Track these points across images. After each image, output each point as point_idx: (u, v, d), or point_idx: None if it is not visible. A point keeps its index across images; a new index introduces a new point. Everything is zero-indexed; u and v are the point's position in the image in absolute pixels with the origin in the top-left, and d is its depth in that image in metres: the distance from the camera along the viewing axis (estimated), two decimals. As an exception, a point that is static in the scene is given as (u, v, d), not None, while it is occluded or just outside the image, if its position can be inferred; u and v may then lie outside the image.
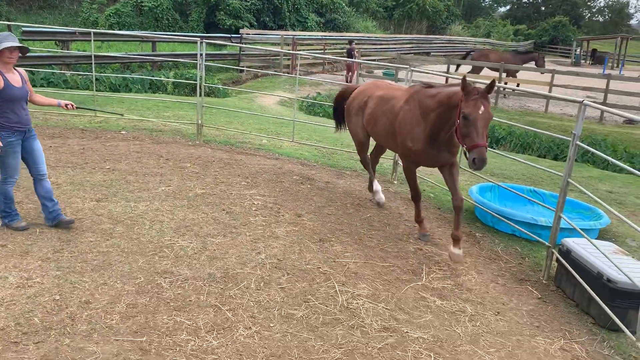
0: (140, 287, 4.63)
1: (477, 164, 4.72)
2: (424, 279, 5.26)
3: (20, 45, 5.16)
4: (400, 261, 5.57)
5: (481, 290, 5.18)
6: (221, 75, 20.57)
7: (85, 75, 14.28)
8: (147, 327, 4.08)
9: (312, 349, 4.01)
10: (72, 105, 5.77)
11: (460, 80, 5.02)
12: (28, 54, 5.63)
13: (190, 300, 4.48)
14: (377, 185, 7.31)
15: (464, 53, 26.66)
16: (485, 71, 22.78)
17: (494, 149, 13.06)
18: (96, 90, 11.59)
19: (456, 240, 5.57)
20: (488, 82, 4.85)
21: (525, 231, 6.27)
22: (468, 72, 22.09)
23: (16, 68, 5.32)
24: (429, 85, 5.76)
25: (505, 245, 6.35)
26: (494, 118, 8.37)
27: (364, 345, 4.10)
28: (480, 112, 4.75)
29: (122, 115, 9.42)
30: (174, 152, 8.78)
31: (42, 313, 4.14)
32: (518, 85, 20.69)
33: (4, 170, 5.33)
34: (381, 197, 7.20)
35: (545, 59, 25.58)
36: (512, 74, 22.26)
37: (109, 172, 7.45)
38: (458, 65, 23.90)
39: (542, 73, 21.88)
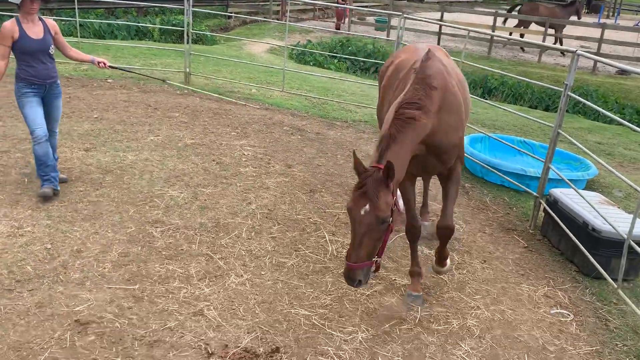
0: (132, 236, 4.66)
1: (347, 281, 3.25)
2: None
3: None
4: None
5: (468, 240, 5.27)
6: (209, 22, 20.03)
7: (68, 20, 13.84)
8: (140, 275, 4.13)
9: (303, 296, 4.10)
10: (105, 64, 5.45)
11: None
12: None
13: (182, 249, 4.53)
14: None
15: (510, 6, 25.19)
16: (533, 26, 21.39)
17: (486, 99, 13.02)
18: (80, 37, 11.27)
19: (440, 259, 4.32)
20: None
21: (514, 182, 6.33)
22: (514, 27, 20.95)
23: (44, 19, 5.04)
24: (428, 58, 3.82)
25: (493, 195, 6.42)
26: (486, 68, 8.39)
27: (352, 292, 4.20)
28: (355, 215, 3.15)
29: (163, 81, 8.86)
30: (162, 101, 8.64)
31: (35, 261, 4.17)
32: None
33: (26, 123, 5.07)
34: None
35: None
36: (559, 29, 21.04)
37: (97, 122, 7.34)
38: (505, 19, 21.80)
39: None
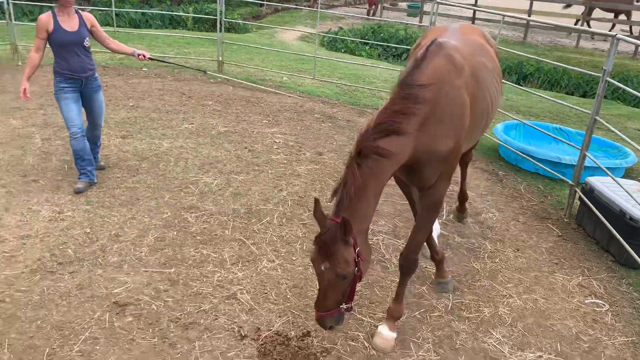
0: (167, 221, 4.78)
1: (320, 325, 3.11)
2: (444, 217, 5.31)
3: None
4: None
5: (501, 228, 5.22)
6: (241, 10, 20.14)
7: (104, 10, 14.11)
8: (175, 260, 4.24)
9: (334, 282, 4.14)
10: (145, 56, 5.38)
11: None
12: None
13: (215, 235, 4.62)
14: None
15: None
16: (597, 13, 19.88)
17: (521, 85, 12.74)
18: (116, 26, 11.49)
19: (390, 318, 3.61)
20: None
21: (549, 169, 6.22)
22: (582, 13, 19.69)
23: (80, 11, 5.02)
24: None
25: (528, 183, 6.32)
26: (521, 53, 8.20)
27: (382, 279, 4.22)
28: (316, 269, 2.94)
29: (205, 72, 8.98)
30: (196, 89, 8.77)
31: (75, 245, 4.33)
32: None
33: (63, 118, 5.13)
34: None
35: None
36: (629, 14, 19.95)
37: (133, 110, 7.51)
38: (568, 5, 20.23)
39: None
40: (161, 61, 7.25)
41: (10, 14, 9.36)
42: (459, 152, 3.40)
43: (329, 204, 3.03)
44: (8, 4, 9.29)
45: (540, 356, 3.58)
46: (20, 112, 7.06)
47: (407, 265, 3.52)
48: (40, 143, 6.16)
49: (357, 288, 4.04)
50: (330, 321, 3.02)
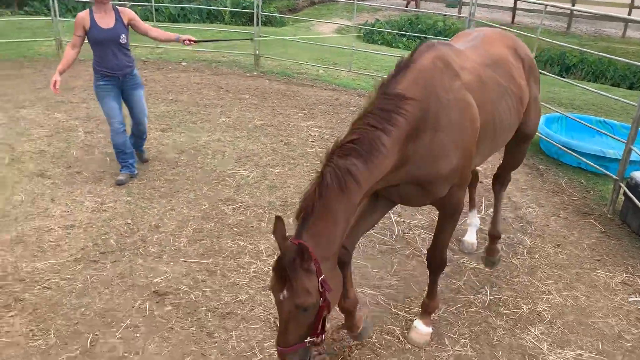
0: (205, 213, 4.86)
1: None
2: (482, 212, 5.22)
3: None
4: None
5: (541, 224, 5.10)
6: (278, 3, 20.19)
7: (144, 5, 14.39)
8: (213, 250, 4.32)
9: (369, 275, 4.14)
10: (190, 40, 5.27)
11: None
12: None
13: (252, 226, 4.68)
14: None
15: None
16: None
17: (564, 77, 12.38)
18: (156, 21, 11.70)
19: (425, 312, 3.57)
20: None
21: (592, 164, 6.04)
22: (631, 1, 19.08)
23: (118, 8, 5.01)
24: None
25: (569, 178, 6.16)
26: (563, 44, 7.97)
27: (419, 274, 4.19)
28: (275, 298, 2.56)
29: (251, 39, 8.86)
30: (233, 83, 8.87)
31: (117, 235, 4.45)
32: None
33: (104, 113, 5.24)
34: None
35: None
36: None
37: (172, 103, 7.66)
38: None
39: None
40: (205, 41, 7.09)
41: (55, 10, 9.66)
42: (468, 163, 2.99)
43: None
44: (53, 1, 9.60)
45: (581, 354, 3.50)
46: (64, 105, 7.29)
47: (435, 264, 3.39)
48: (84, 136, 6.36)
49: (392, 282, 4.01)
50: (293, 357, 2.58)
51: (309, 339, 2.59)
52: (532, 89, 3.82)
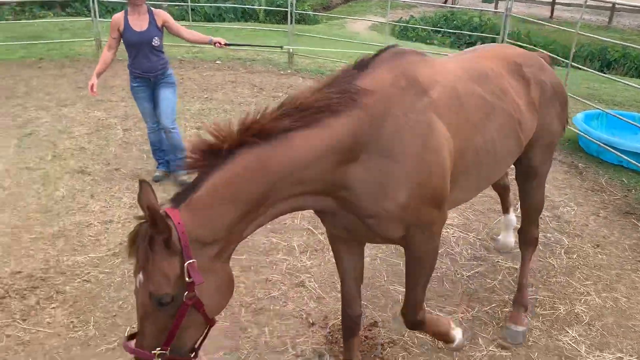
0: (239, 210, 4.91)
1: None
2: (518, 211, 5.12)
3: None
4: (494, 191, 5.44)
5: (580, 223, 4.98)
6: (312, 1, 20.23)
7: (180, 5, 14.63)
8: (246, 247, 4.37)
9: (401, 273, 4.11)
10: (221, 43, 5.28)
11: None
12: None
13: (285, 224, 4.71)
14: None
15: None
16: None
17: (605, 72, 12.03)
18: (192, 21, 11.89)
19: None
20: None
21: (634, 162, 5.85)
22: None
23: (153, 10, 5.02)
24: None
25: (610, 176, 5.98)
26: (604, 39, 7.74)
27: (452, 273, 4.15)
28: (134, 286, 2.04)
29: (281, 47, 9.04)
30: (267, 81, 8.94)
31: (154, 231, 4.54)
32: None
33: (140, 113, 5.37)
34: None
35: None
36: None
37: (207, 101, 7.77)
38: None
39: None
40: (236, 45, 7.19)
41: (95, 11, 9.93)
42: (427, 202, 2.35)
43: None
44: (93, 2, 9.86)
45: (621, 357, 3.40)
46: (103, 104, 7.49)
47: (409, 324, 2.89)
48: (122, 134, 6.52)
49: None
50: None
51: (158, 350, 1.98)
52: (546, 116, 3.13)
